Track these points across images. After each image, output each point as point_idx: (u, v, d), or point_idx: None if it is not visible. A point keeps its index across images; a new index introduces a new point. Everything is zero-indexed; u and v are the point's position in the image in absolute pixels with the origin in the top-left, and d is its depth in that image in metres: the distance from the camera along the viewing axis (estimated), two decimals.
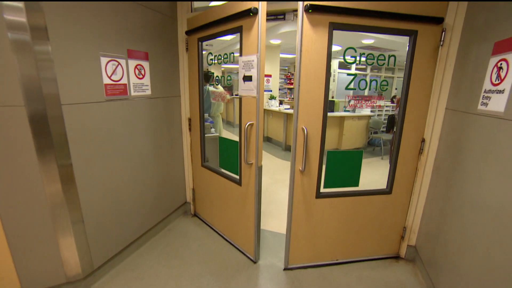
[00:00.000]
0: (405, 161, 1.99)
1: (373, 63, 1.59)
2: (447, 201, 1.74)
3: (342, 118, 5.68)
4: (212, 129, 3.52)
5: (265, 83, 6.63)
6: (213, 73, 4.03)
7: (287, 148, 5.93)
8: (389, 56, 1.64)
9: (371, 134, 6.30)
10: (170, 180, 2.67)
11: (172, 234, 2.55)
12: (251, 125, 1.92)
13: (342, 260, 2.18)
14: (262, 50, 1.73)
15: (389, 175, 2.00)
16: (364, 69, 10.72)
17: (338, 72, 9.52)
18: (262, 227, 2.73)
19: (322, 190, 1.94)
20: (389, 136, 5.47)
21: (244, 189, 2.12)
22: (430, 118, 1.93)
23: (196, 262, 2.16)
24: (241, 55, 1.90)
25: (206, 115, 3.76)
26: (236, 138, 2.11)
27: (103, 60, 1.74)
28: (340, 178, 1.92)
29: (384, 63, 1.61)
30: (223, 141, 2.36)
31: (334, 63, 9.46)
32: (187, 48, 2.49)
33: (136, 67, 2.03)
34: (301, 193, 1.93)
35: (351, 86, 1.76)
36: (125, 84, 1.94)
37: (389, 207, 2.10)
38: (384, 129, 6.07)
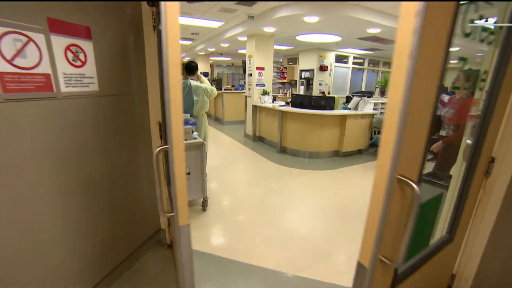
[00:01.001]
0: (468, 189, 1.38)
1: None
2: None
3: (344, 117, 5.06)
4: (195, 133, 2.82)
5: (257, 77, 5.95)
6: (190, 62, 3.33)
7: (282, 150, 5.31)
8: None
9: (374, 134, 5.75)
10: (136, 205, 1.99)
11: (137, 278, 1.88)
12: (164, 152, 1.11)
13: None
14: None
15: (452, 217, 1.36)
16: (362, 63, 10.15)
17: (335, 66, 8.94)
18: (251, 261, 2.09)
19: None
20: None
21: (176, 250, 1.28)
22: (506, 127, 1.33)
23: None
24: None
25: (187, 115, 3.08)
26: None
27: None
28: (414, 244, 1.10)
29: None
30: None
31: (330, 56, 8.86)
32: (154, 26, 1.79)
33: (68, 48, 1.32)
34: None
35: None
36: (47, 75, 1.24)
37: (449, 258, 1.48)
38: None
